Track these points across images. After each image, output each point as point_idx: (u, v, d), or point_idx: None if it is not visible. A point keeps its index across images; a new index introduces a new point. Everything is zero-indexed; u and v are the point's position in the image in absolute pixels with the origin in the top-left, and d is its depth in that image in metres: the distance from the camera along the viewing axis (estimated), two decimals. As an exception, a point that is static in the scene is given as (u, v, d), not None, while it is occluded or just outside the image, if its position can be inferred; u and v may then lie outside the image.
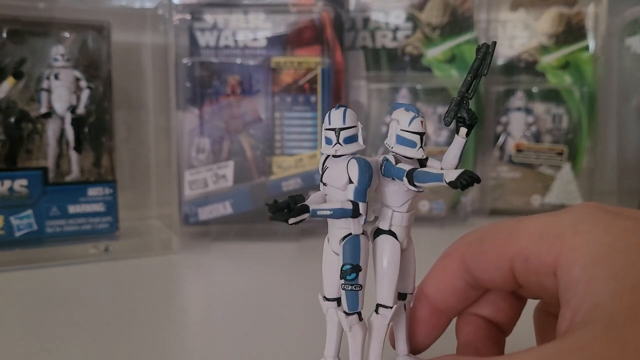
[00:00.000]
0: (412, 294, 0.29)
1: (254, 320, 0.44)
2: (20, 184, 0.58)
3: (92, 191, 0.62)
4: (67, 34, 0.62)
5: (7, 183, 0.58)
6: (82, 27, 0.63)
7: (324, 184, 0.28)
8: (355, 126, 0.27)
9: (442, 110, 0.78)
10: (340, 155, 0.27)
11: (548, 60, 0.82)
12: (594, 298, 0.21)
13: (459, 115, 0.27)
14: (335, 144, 0.26)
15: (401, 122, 0.27)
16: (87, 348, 0.39)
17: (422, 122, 0.27)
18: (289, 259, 0.62)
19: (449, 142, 0.79)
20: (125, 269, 0.58)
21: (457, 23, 0.79)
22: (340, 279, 0.27)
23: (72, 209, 0.61)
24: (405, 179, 0.26)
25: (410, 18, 0.79)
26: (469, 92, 0.27)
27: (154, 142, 0.69)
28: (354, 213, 0.26)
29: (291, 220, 0.25)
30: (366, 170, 0.26)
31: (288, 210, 0.24)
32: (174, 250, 0.62)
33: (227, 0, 0.70)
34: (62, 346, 0.40)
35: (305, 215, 0.25)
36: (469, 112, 0.27)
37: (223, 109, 0.68)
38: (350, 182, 0.26)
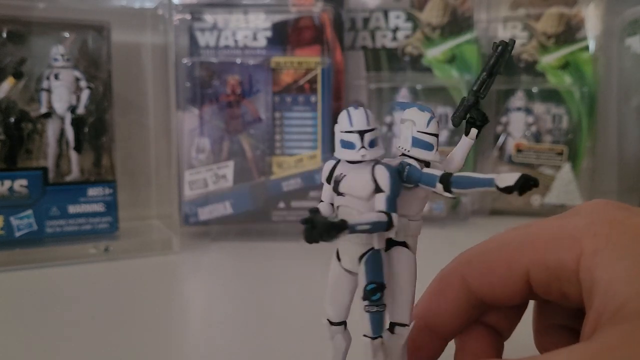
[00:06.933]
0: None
1: (254, 320, 0.44)
2: (20, 184, 0.58)
3: (92, 191, 0.62)
4: (67, 34, 0.62)
5: (7, 183, 0.58)
6: (82, 27, 0.63)
7: (341, 194, 0.25)
8: (376, 128, 0.24)
9: (442, 110, 0.78)
10: (359, 162, 0.24)
11: (548, 60, 0.82)
12: (618, 298, 0.20)
13: (469, 115, 0.26)
14: (361, 148, 0.24)
15: (417, 123, 0.25)
16: (87, 348, 0.39)
17: (437, 122, 0.25)
18: (289, 259, 0.61)
19: (448, 142, 0.79)
20: (125, 269, 0.58)
21: (457, 23, 0.79)
22: (364, 300, 0.24)
23: (72, 209, 0.61)
24: (439, 184, 0.24)
25: (410, 18, 0.79)
26: (482, 91, 0.25)
27: (154, 142, 0.69)
28: (388, 225, 0.23)
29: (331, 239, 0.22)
30: (396, 177, 0.24)
31: (327, 231, 0.22)
32: (174, 250, 0.62)
33: (227, 0, 0.70)
34: (62, 346, 0.40)
35: (345, 232, 0.22)
36: (480, 113, 0.25)
37: (223, 109, 0.68)
38: (378, 191, 0.24)
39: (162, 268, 0.58)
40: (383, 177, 0.24)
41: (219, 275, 0.58)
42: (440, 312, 0.28)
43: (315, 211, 0.24)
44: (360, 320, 0.25)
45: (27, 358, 0.38)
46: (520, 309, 0.29)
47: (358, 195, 0.24)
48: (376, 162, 0.24)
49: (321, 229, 0.22)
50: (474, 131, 0.26)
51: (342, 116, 0.24)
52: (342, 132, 0.24)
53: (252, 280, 0.55)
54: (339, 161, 0.25)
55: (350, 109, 0.24)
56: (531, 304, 0.30)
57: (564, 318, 0.28)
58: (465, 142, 0.26)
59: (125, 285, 0.53)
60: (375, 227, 0.23)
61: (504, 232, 0.27)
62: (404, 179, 0.25)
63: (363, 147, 0.24)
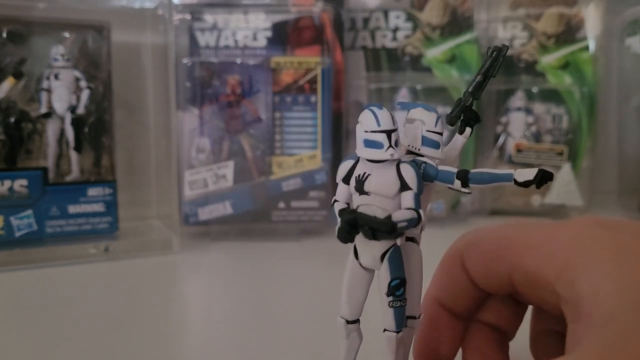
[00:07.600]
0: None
1: (253, 320, 0.44)
2: (20, 184, 0.58)
3: (92, 191, 0.62)
4: (67, 34, 0.62)
5: (7, 183, 0.58)
6: (82, 27, 0.63)
7: (365, 193, 0.25)
8: (397, 128, 0.25)
9: (442, 110, 0.78)
10: (384, 161, 0.25)
11: (548, 60, 0.82)
12: (605, 312, 0.21)
13: (464, 115, 0.27)
14: (389, 147, 0.24)
15: (427, 122, 0.26)
16: (87, 348, 0.39)
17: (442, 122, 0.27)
18: (289, 259, 0.62)
19: (449, 141, 0.79)
20: (125, 269, 0.58)
21: (457, 23, 0.79)
22: (388, 296, 0.25)
23: (72, 209, 0.61)
24: (457, 181, 0.25)
25: (410, 18, 0.79)
26: (477, 93, 0.27)
27: (154, 142, 0.69)
28: (418, 222, 0.24)
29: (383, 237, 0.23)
30: (420, 174, 0.25)
31: (373, 232, 0.22)
32: (174, 250, 0.62)
33: (227, 0, 0.70)
34: (62, 346, 0.40)
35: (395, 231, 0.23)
36: (474, 113, 0.27)
37: (223, 109, 0.68)
38: (404, 189, 0.24)
39: (162, 268, 0.58)
40: (410, 175, 0.24)
41: (219, 275, 0.58)
42: (449, 289, 0.29)
43: (352, 211, 0.24)
44: (382, 316, 0.26)
45: (27, 358, 0.38)
46: (520, 309, 0.30)
47: (385, 193, 0.25)
48: (399, 160, 0.25)
49: (386, 229, 0.22)
50: (468, 130, 0.27)
51: (367, 116, 0.25)
52: (367, 132, 0.24)
53: (252, 280, 0.55)
54: (357, 161, 0.26)
55: (374, 109, 0.25)
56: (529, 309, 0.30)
57: (558, 324, 0.28)
58: (459, 141, 0.28)
59: (125, 285, 0.53)
60: (410, 224, 0.24)
61: (503, 225, 0.27)
62: (422, 177, 0.26)
63: (391, 146, 0.24)
